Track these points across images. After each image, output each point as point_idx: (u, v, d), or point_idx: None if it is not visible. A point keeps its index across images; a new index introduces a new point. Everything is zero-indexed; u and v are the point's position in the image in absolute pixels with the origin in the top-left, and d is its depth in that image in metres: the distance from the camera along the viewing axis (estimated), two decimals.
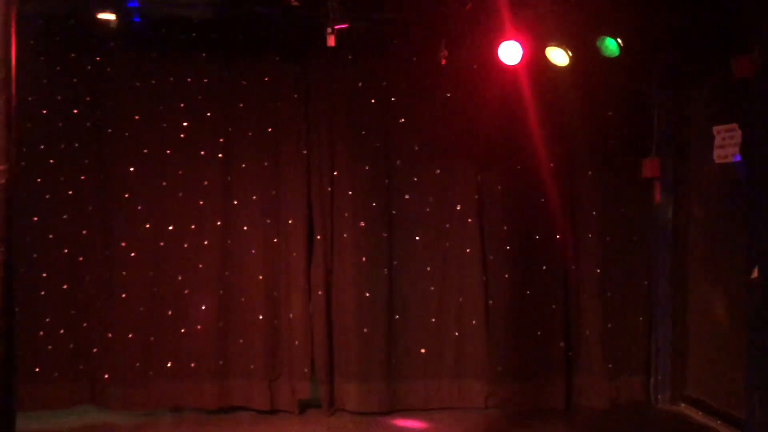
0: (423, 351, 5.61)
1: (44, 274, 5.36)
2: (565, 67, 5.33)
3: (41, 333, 5.34)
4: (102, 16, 5.06)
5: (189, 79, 5.52)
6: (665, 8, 5.29)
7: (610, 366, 5.67)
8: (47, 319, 5.36)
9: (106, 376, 5.41)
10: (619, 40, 5.16)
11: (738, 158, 5.01)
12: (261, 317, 5.50)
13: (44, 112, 5.39)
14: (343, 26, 5.03)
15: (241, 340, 5.51)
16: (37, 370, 5.30)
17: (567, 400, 5.64)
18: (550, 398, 5.61)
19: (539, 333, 5.65)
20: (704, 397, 5.43)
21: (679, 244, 5.77)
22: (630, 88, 5.83)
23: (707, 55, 5.37)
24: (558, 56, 5.28)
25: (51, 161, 5.42)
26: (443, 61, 5.35)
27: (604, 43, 5.24)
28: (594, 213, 5.74)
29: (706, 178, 5.53)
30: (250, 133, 5.58)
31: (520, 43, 5.17)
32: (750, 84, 4.45)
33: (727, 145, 5.16)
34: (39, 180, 5.36)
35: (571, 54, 5.24)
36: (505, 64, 5.28)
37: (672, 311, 5.73)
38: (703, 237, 5.63)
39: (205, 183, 5.52)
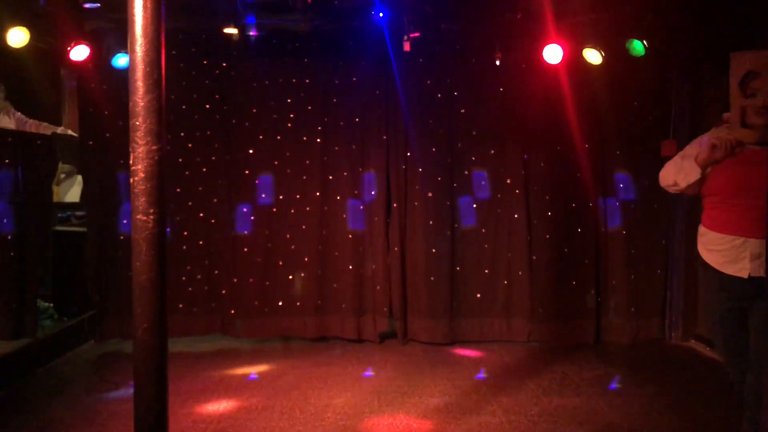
0: (478, 296, 6.12)
1: (185, 233, 6.06)
2: (598, 65, 5.78)
3: (183, 278, 6.05)
4: (227, 30, 5.61)
5: (294, 80, 6.06)
6: (683, 14, 5.49)
7: (632, 309, 6.07)
8: (188, 267, 6.07)
9: (232, 311, 6.09)
10: (644, 42, 5.61)
11: None
12: (350, 267, 6.10)
13: (183, 107, 6.02)
14: (416, 35, 5.54)
15: (335, 285, 6.12)
16: (180, 306, 6.03)
17: (596, 337, 6.05)
18: (581, 335, 6.05)
19: (574, 283, 6.09)
20: (711, 336, 5.59)
21: (691, 209, 5.91)
22: (652, 82, 6.08)
23: (718, 54, 5.36)
24: (593, 56, 5.76)
25: (189, 145, 6.05)
26: (497, 62, 5.85)
27: (632, 44, 5.64)
28: (621, 185, 6.12)
29: None
30: (341, 123, 6.12)
31: (561, 46, 5.63)
32: None
33: None
34: (180, 160, 6.01)
35: (603, 54, 5.72)
36: (549, 64, 5.73)
37: (684, 265, 6.00)
38: None
39: (307, 162, 6.10)
